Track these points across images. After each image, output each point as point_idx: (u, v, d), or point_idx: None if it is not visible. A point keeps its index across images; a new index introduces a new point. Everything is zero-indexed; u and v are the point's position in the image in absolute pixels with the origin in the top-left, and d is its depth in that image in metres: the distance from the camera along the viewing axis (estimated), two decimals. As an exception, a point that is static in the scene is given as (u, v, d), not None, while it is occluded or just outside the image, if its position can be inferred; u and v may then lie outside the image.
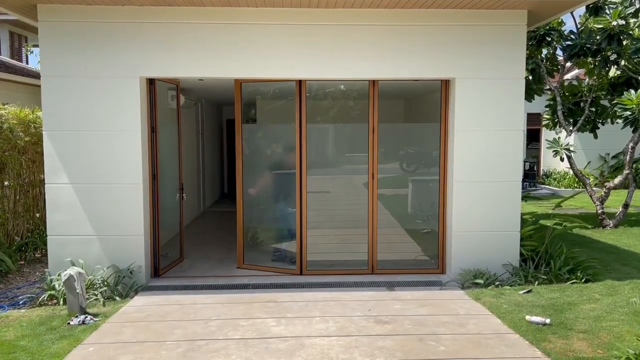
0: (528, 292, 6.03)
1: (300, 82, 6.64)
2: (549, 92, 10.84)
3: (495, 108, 6.53)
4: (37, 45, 16.86)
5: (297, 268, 6.92)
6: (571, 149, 9.63)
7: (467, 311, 5.51)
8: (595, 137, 10.98)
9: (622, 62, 9.47)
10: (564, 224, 7.79)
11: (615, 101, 9.24)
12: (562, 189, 16.70)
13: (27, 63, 18.82)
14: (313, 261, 6.93)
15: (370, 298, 5.93)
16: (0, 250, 7.16)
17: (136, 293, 6.15)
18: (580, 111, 10.55)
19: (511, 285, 6.29)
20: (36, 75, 13.68)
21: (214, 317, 5.35)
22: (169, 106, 7.23)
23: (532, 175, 17.06)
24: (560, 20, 9.91)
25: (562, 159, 9.90)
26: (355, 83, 6.95)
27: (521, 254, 6.78)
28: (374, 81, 6.70)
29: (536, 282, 6.35)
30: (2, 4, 5.97)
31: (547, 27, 9.41)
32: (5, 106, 7.86)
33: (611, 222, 10.10)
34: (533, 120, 17.62)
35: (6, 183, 7.72)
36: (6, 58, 16.35)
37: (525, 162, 16.62)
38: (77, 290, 5.39)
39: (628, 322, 5.05)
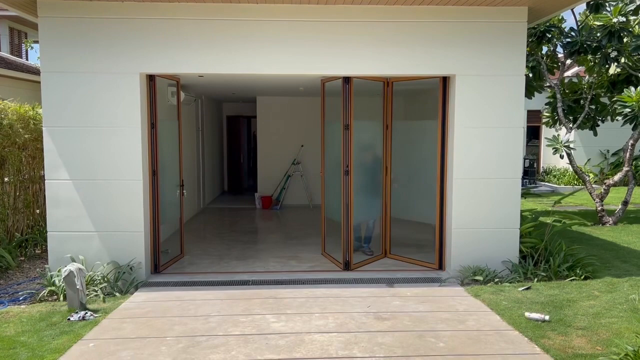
0: (527, 288, 6.04)
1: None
2: (549, 89, 10.83)
3: (495, 105, 6.53)
4: (37, 41, 16.83)
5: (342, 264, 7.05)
6: (571, 146, 9.63)
7: (467, 308, 5.52)
8: (595, 134, 10.98)
9: (622, 60, 9.46)
10: (564, 221, 7.80)
11: (615, 98, 9.24)
12: (562, 186, 16.70)
13: (27, 59, 18.78)
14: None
15: (370, 294, 5.94)
16: (0, 246, 7.17)
17: (136, 289, 6.15)
18: (580, 108, 10.55)
19: (510, 282, 6.30)
20: (36, 72, 13.66)
21: (214, 313, 5.36)
22: (169, 102, 7.24)
23: (531, 173, 17.07)
24: (560, 17, 9.90)
25: (561, 156, 9.90)
26: (372, 81, 6.98)
27: (520, 251, 6.79)
28: (387, 80, 6.75)
29: (535, 279, 6.37)
30: (2, 0, 5.96)
31: (548, 24, 9.40)
32: (5, 102, 7.85)
33: (611, 219, 10.11)
34: (533, 117, 17.61)
35: (6, 179, 7.72)
36: (6, 54, 16.32)
37: (525, 159, 16.63)
38: (77, 286, 5.40)
39: (627, 319, 5.06)
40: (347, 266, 6.95)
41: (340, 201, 6.99)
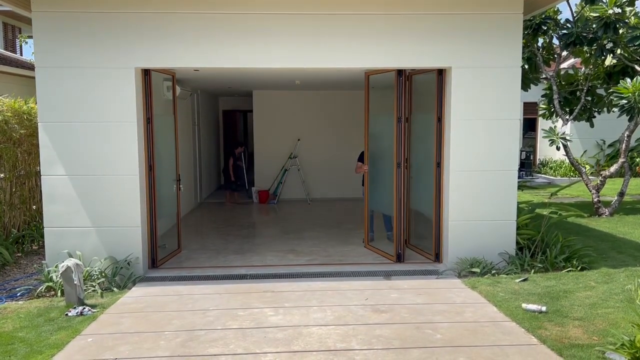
0: (524, 280, 6.06)
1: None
2: (545, 81, 10.85)
3: (491, 97, 6.52)
4: (31, 37, 16.72)
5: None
6: (567, 137, 9.64)
7: (464, 300, 5.54)
8: (592, 125, 11.00)
9: (618, 51, 9.46)
10: (560, 212, 7.81)
11: (611, 90, 9.24)
12: (559, 177, 16.74)
13: (21, 54, 18.68)
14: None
15: (367, 287, 5.95)
16: (-3, 242, 7.16)
17: (134, 284, 6.15)
18: (577, 100, 10.56)
19: (507, 274, 6.32)
20: (31, 67, 13.59)
21: (212, 307, 5.36)
22: (164, 97, 7.21)
23: (528, 165, 17.10)
24: (556, 9, 9.88)
25: (558, 148, 9.92)
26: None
27: (517, 243, 6.80)
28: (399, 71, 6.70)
29: (532, 271, 6.39)
30: (-5, -6, 5.93)
31: (543, 16, 9.38)
32: (0, 98, 7.81)
33: (607, 210, 10.14)
34: (529, 109, 17.62)
35: (1, 175, 7.70)
36: (0, 49, 16.22)
37: (521, 151, 16.66)
38: (75, 282, 5.39)
39: (623, 309, 5.09)
40: (399, 258, 7.00)
41: (389, 193, 7.04)
